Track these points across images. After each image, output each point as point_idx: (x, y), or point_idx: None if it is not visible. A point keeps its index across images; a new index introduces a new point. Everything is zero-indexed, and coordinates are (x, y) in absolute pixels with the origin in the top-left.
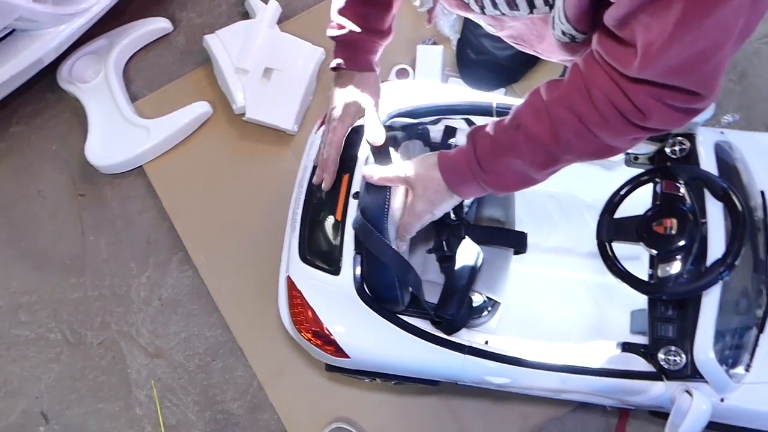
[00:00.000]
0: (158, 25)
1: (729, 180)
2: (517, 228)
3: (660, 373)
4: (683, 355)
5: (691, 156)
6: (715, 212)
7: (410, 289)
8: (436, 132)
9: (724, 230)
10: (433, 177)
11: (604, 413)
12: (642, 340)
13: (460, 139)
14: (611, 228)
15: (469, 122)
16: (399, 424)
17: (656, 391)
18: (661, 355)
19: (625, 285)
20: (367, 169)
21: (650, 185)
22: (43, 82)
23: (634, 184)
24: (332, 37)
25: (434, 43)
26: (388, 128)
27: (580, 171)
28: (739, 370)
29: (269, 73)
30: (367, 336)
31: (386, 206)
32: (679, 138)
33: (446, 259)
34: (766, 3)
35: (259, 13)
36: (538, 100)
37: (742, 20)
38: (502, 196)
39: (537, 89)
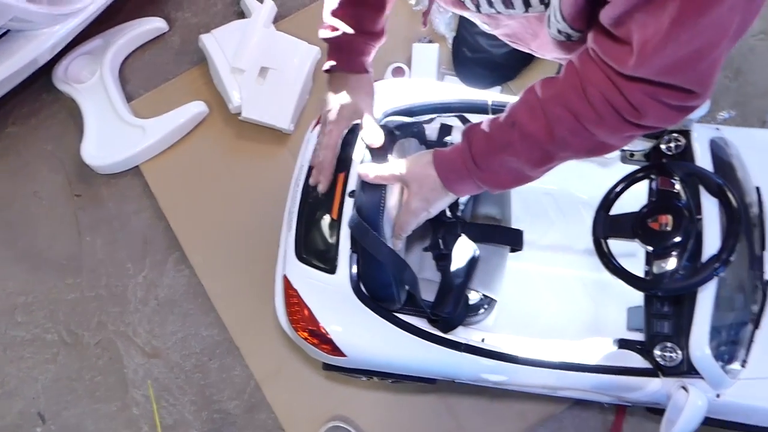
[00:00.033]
0: (154, 24)
1: (724, 176)
2: (514, 225)
3: (656, 370)
4: (679, 352)
5: (687, 152)
6: (710, 208)
7: (406, 287)
8: (431, 130)
9: (719, 226)
10: (428, 175)
11: (601, 410)
12: (639, 337)
13: (455, 138)
14: (607, 225)
15: (463, 120)
16: (396, 423)
17: (653, 387)
18: (657, 352)
19: (621, 282)
20: (362, 167)
21: (646, 182)
22: (39, 83)
23: (629, 180)
24: (325, 39)
25: (430, 42)
26: (384, 127)
27: (576, 168)
28: (735, 365)
29: (265, 72)
30: (364, 334)
31: (382, 205)
32: (675, 135)
33: (442, 257)
34: (760, 1)
35: (255, 12)
36: (533, 98)
37: (737, 19)
38: (498, 193)
39: (532, 87)
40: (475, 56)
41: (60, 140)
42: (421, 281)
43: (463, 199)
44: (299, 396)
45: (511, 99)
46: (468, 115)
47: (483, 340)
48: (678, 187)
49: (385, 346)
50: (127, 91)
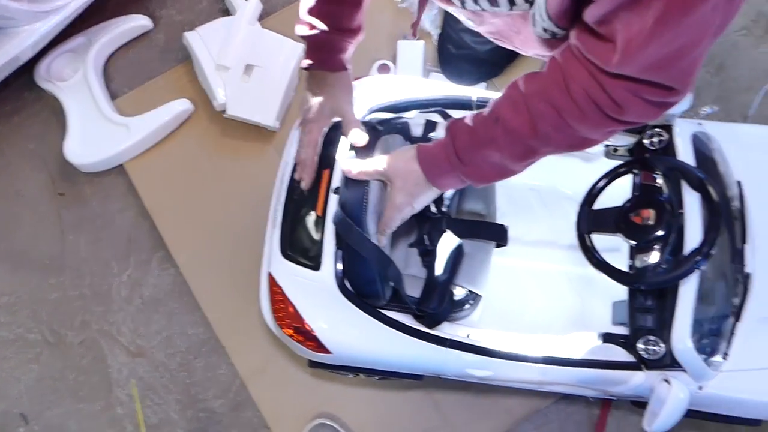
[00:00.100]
0: (138, 22)
1: (706, 170)
2: (499, 221)
3: (640, 363)
4: (662, 345)
5: (669, 147)
6: (692, 202)
7: (391, 283)
8: (416, 126)
9: (701, 220)
10: (412, 170)
11: (587, 404)
12: (623, 331)
13: (440, 134)
14: (590, 219)
15: (445, 115)
16: (383, 419)
17: (637, 380)
18: (640, 345)
19: (605, 276)
20: (345, 163)
21: (629, 176)
22: (21, 81)
23: (612, 175)
24: (302, 37)
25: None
26: (367, 123)
27: (560, 163)
28: (717, 358)
29: (250, 69)
30: (349, 331)
31: (365, 200)
32: (657, 129)
33: (428, 253)
34: (739, 1)
35: (240, 9)
36: (516, 94)
37: (718, 18)
38: (483, 189)
39: (515, 82)
40: (460, 53)
41: (43, 139)
42: (406, 277)
43: (448, 195)
44: (285, 394)
45: (495, 95)
46: (451, 111)
47: (468, 336)
48: (660, 181)
49: (370, 342)
50: (111, 89)
